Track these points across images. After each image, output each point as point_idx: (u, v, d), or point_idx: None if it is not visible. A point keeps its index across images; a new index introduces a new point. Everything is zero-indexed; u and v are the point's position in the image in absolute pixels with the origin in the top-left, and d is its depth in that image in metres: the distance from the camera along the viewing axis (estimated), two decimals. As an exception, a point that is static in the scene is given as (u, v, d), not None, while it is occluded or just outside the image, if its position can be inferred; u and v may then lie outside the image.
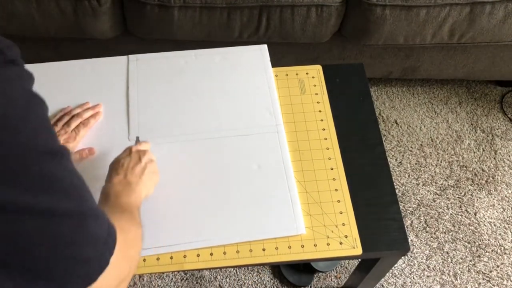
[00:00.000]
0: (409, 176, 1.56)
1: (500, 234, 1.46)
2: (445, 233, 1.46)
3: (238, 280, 1.37)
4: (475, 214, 1.49)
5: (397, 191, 1.43)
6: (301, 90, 1.00)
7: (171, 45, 1.35)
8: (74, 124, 0.90)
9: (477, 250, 1.43)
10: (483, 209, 1.50)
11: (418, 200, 1.52)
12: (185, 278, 1.37)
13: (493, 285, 1.38)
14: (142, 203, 0.84)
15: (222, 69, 1.02)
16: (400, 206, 1.25)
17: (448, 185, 1.54)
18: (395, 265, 1.39)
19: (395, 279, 1.38)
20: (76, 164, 0.74)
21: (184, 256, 0.80)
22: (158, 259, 0.79)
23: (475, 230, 1.46)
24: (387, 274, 1.38)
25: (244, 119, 0.95)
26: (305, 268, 1.37)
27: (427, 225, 1.47)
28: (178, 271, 1.21)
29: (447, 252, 1.43)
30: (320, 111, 0.97)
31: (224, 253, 0.80)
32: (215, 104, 0.97)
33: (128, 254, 0.54)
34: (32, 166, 0.38)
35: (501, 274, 1.39)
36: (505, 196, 1.53)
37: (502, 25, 1.33)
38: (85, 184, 0.45)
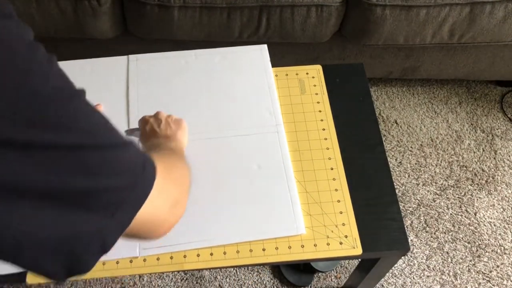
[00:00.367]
0: (409, 176, 1.56)
1: (500, 234, 1.46)
2: (445, 233, 1.46)
3: (238, 280, 1.37)
4: (475, 214, 1.49)
5: (397, 191, 1.43)
6: (301, 90, 1.00)
7: (171, 45, 1.35)
8: None
9: (477, 250, 1.43)
10: (483, 209, 1.50)
11: (418, 200, 1.52)
12: (185, 278, 1.37)
13: (493, 285, 1.38)
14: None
15: (222, 69, 1.02)
16: (400, 206, 1.25)
17: (448, 185, 1.54)
18: (395, 265, 1.39)
19: (395, 279, 1.38)
20: None
21: (184, 256, 0.80)
22: (158, 259, 0.79)
23: (475, 230, 1.46)
24: (387, 274, 1.38)
25: (244, 119, 0.95)
26: (305, 268, 1.37)
27: (427, 225, 1.47)
28: (178, 271, 1.21)
29: (447, 252, 1.43)
30: (320, 111, 0.97)
31: (224, 253, 0.80)
32: (215, 104, 0.97)
33: (173, 177, 0.54)
34: (52, 107, 0.37)
35: (501, 274, 1.39)
36: (505, 196, 1.53)
37: (502, 25, 1.33)
38: (109, 120, 0.45)
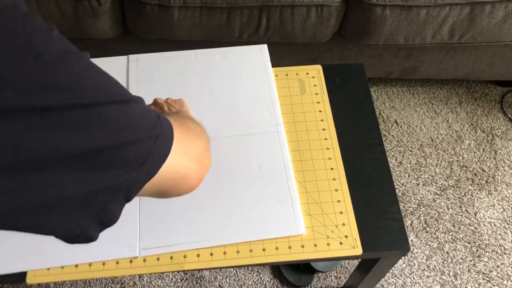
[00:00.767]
0: (409, 176, 1.56)
1: (500, 234, 1.46)
2: (445, 233, 1.46)
3: (238, 280, 1.37)
4: (475, 214, 1.49)
5: (397, 191, 1.43)
6: (301, 90, 1.00)
7: (171, 45, 1.35)
8: None
9: (477, 250, 1.43)
10: (483, 209, 1.50)
11: (418, 200, 1.52)
12: (185, 278, 1.37)
13: (493, 285, 1.38)
14: (141, 203, 0.84)
15: (222, 69, 1.02)
16: (400, 206, 1.25)
17: (448, 185, 1.54)
18: (395, 265, 1.39)
19: (395, 279, 1.38)
20: None
21: (184, 256, 0.80)
22: (158, 259, 0.79)
23: (475, 230, 1.46)
24: (387, 274, 1.38)
25: (244, 119, 0.95)
26: (305, 268, 1.37)
27: (427, 225, 1.47)
28: (178, 271, 1.21)
29: (447, 252, 1.43)
30: (320, 111, 0.97)
31: (224, 253, 0.80)
32: (215, 104, 0.97)
33: (190, 129, 0.55)
34: (61, 69, 0.37)
35: (501, 274, 1.39)
36: (505, 196, 1.53)
37: (502, 25, 1.33)
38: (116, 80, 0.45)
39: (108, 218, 0.44)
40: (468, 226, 1.47)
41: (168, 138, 0.46)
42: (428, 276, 1.39)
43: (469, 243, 1.44)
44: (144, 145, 0.43)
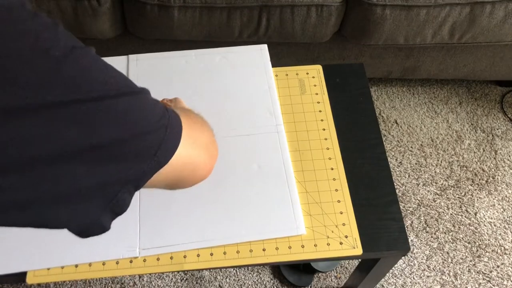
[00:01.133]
0: (409, 176, 1.56)
1: (500, 234, 1.46)
2: (445, 233, 1.46)
3: (238, 280, 1.37)
4: (475, 214, 1.49)
5: (397, 191, 1.43)
6: (301, 90, 1.00)
7: (171, 45, 1.35)
8: None
9: (477, 250, 1.43)
10: (483, 209, 1.50)
11: (418, 200, 1.51)
12: (185, 278, 1.37)
13: (493, 285, 1.38)
14: (141, 203, 0.84)
15: (222, 69, 1.02)
16: (400, 206, 1.25)
17: (448, 185, 1.54)
18: (395, 265, 1.39)
19: (395, 279, 1.38)
20: None
21: (184, 256, 0.80)
22: (158, 259, 0.79)
23: (475, 230, 1.46)
24: (387, 274, 1.38)
25: (244, 119, 0.95)
26: (305, 268, 1.37)
27: (427, 225, 1.47)
28: (178, 271, 1.21)
29: (447, 252, 1.43)
30: (320, 111, 0.97)
31: (224, 253, 0.80)
32: (215, 104, 0.97)
33: (194, 120, 0.55)
34: (69, 64, 0.38)
35: (501, 274, 1.39)
36: (505, 196, 1.53)
37: (502, 25, 1.33)
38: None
39: (120, 207, 0.44)
40: (468, 226, 1.47)
41: (177, 128, 0.47)
42: (428, 276, 1.39)
43: (469, 243, 1.44)
44: (155, 135, 0.44)
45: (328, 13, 1.30)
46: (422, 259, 1.42)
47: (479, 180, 1.56)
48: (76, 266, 0.78)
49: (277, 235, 0.82)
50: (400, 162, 1.59)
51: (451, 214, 1.49)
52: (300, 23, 1.32)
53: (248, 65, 1.03)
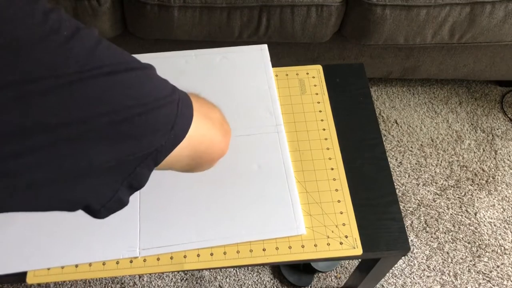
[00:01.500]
0: (409, 176, 1.56)
1: (500, 234, 1.46)
2: (445, 233, 1.46)
3: (238, 280, 1.37)
4: (475, 214, 1.49)
5: (397, 191, 1.43)
6: (301, 90, 1.00)
7: (171, 45, 1.35)
8: None
9: (477, 250, 1.43)
10: (483, 209, 1.50)
11: (418, 200, 1.51)
12: (185, 278, 1.37)
13: (493, 285, 1.38)
14: (141, 203, 0.84)
15: (222, 69, 1.02)
16: (400, 206, 1.24)
17: (448, 185, 1.54)
18: (395, 265, 1.39)
19: (395, 279, 1.38)
20: None
21: (184, 256, 0.80)
22: (158, 259, 0.79)
23: (475, 230, 1.46)
24: (387, 274, 1.38)
25: (244, 119, 0.95)
26: (305, 268, 1.37)
27: (427, 225, 1.47)
28: (178, 271, 1.21)
29: (447, 252, 1.43)
30: (320, 111, 0.97)
31: (224, 253, 0.80)
32: (215, 103, 0.97)
33: (201, 100, 0.55)
34: (76, 42, 0.38)
35: (501, 274, 1.39)
36: (505, 196, 1.53)
37: (502, 25, 1.33)
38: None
39: (138, 181, 0.45)
40: (468, 226, 1.47)
41: (188, 102, 0.48)
42: (428, 276, 1.39)
43: (469, 243, 1.44)
44: (170, 108, 0.44)
45: (328, 13, 1.30)
46: (422, 259, 1.42)
47: (479, 180, 1.56)
48: (76, 266, 0.78)
49: (277, 235, 0.82)
50: (400, 162, 1.59)
51: (451, 214, 1.49)
52: (300, 23, 1.32)
53: (248, 65, 1.03)
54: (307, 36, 1.36)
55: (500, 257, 1.42)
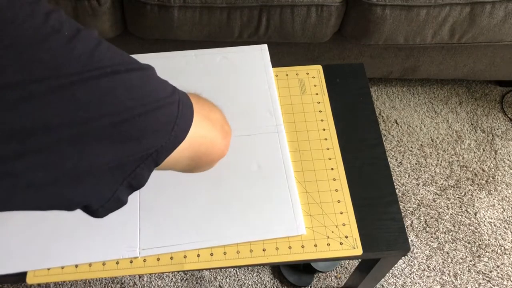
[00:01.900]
0: (409, 176, 1.56)
1: (500, 234, 1.46)
2: (445, 233, 1.46)
3: (238, 280, 1.37)
4: (475, 214, 1.49)
5: (397, 191, 1.43)
6: (301, 90, 1.00)
7: (171, 45, 1.35)
8: None
9: (477, 250, 1.43)
10: (483, 209, 1.50)
11: (418, 200, 1.51)
12: (185, 278, 1.37)
13: (493, 285, 1.38)
14: (141, 203, 0.84)
15: (223, 69, 1.02)
16: (400, 206, 1.25)
17: (448, 185, 1.54)
18: (395, 265, 1.39)
19: (395, 279, 1.38)
20: None
21: (184, 256, 0.80)
22: (158, 259, 0.79)
23: (475, 230, 1.46)
24: (387, 274, 1.38)
25: (244, 119, 0.95)
26: (305, 268, 1.37)
27: (427, 225, 1.47)
28: (178, 271, 1.21)
29: (447, 252, 1.43)
30: (320, 111, 0.97)
31: (224, 253, 0.80)
32: (215, 103, 0.97)
33: (202, 101, 0.55)
34: (77, 43, 0.38)
35: (501, 274, 1.39)
36: (505, 196, 1.53)
37: (503, 25, 1.33)
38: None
39: (138, 181, 0.45)
40: (468, 226, 1.47)
41: (188, 103, 0.48)
42: (428, 276, 1.39)
43: (469, 243, 1.44)
44: (170, 109, 0.44)
45: (328, 13, 1.30)
46: (422, 259, 1.42)
47: (479, 180, 1.56)
48: (76, 266, 0.78)
49: (277, 235, 0.82)
50: (400, 162, 1.59)
51: (451, 214, 1.49)
52: (300, 23, 1.32)
53: (248, 65, 1.03)
54: (307, 36, 1.36)
55: (500, 257, 1.42)
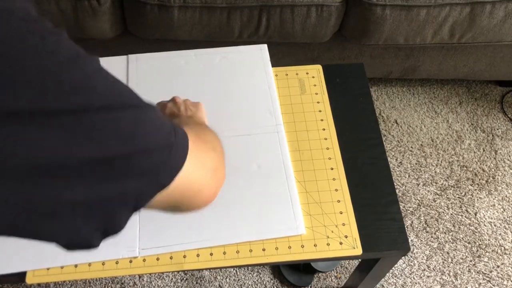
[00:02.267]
0: (409, 176, 1.56)
1: (500, 234, 1.46)
2: (445, 233, 1.46)
3: (238, 280, 1.37)
4: (476, 214, 1.49)
5: (397, 191, 1.43)
6: (301, 90, 1.00)
7: (171, 45, 1.35)
8: None
9: (477, 250, 1.43)
10: (483, 209, 1.50)
11: (418, 200, 1.51)
12: (185, 278, 1.37)
13: (493, 285, 1.38)
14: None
15: (222, 69, 1.02)
16: (400, 206, 1.24)
17: (449, 185, 1.54)
18: (395, 265, 1.39)
19: (395, 279, 1.38)
20: None
21: (184, 256, 0.80)
22: (158, 259, 0.79)
23: (475, 230, 1.46)
24: (387, 274, 1.38)
25: (244, 119, 0.95)
26: (305, 268, 1.37)
27: (427, 225, 1.47)
28: (178, 271, 1.21)
29: (447, 252, 1.43)
30: (320, 111, 0.97)
31: (224, 253, 0.80)
32: (215, 104, 0.97)
33: (205, 140, 0.53)
34: (73, 71, 0.36)
35: (501, 274, 1.39)
36: (506, 196, 1.53)
37: (502, 25, 1.33)
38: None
39: (114, 228, 0.42)
40: (468, 226, 1.47)
41: (183, 148, 0.45)
42: (428, 276, 1.39)
43: (469, 243, 1.44)
44: (158, 154, 0.41)
45: (328, 13, 1.30)
46: (422, 259, 1.41)
47: (479, 180, 1.56)
48: (76, 266, 0.78)
49: (277, 235, 0.82)
50: (400, 162, 1.59)
51: (451, 214, 1.49)
52: (300, 23, 1.32)
53: (248, 65, 1.03)
54: (307, 36, 1.36)
55: (500, 257, 1.42)
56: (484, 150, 1.62)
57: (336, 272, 1.39)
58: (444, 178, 1.56)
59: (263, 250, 0.81)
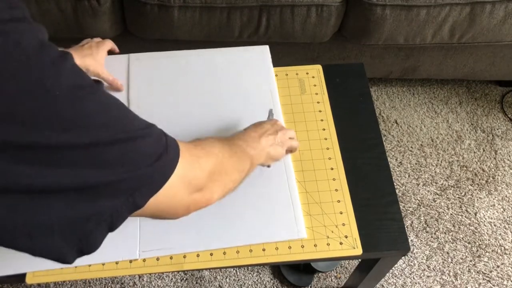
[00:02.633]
0: (409, 176, 1.56)
1: (500, 234, 1.46)
2: (445, 233, 1.46)
3: (238, 280, 1.37)
4: (475, 214, 1.49)
5: (397, 191, 1.43)
6: (301, 90, 1.00)
7: (171, 45, 1.34)
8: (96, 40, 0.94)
9: (477, 250, 1.43)
10: (483, 209, 1.50)
11: (418, 200, 1.51)
12: (185, 278, 1.37)
13: (493, 285, 1.38)
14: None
15: (223, 69, 1.02)
16: (400, 206, 1.24)
17: (448, 185, 1.54)
18: (395, 265, 1.39)
19: (395, 279, 1.38)
20: None
21: (184, 257, 0.80)
22: (158, 259, 0.79)
23: (475, 230, 1.46)
24: (387, 274, 1.38)
25: (245, 119, 0.95)
26: (305, 268, 1.37)
27: (427, 225, 1.47)
28: (178, 271, 1.21)
29: (447, 252, 1.43)
30: (320, 111, 0.97)
31: (224, 253, 0.80)
32: (216, 104, 0.97)
33: (204, 167, 0.54)
34: (67, 106, 0.37)
35: (501, 274, 1.39)
36: (505, 196, 1.53)
37: (502, 25, 1.33)
38: (126, 107, 0.45)
39: (88, 247, 0.43)
40: (468, 226, 1.47)
41: (166, 171, 0.46)
42: (428, 276, 1.39)
43: (469, 243, 1.44)
44: (138, 178, 0.43)
45: (328, 13, 1.30)
46: (422, 259, 1.41)
47: (479, 180, 1.56)
48: (75, 266, 0.78)
49: (277, 239, 0.81)
50: (400, 162, 1.59)
51: (451, 214, 1.49)
52: (300, 23, 1.32)
53: (248, 65, 1.02)
54: (307, 36, 1.36)
55: (500, 257, 1.42)
56: (484, 150, 1.62)
57: (336, 272, 1.39)
58: (444, 178, 1.56)
59: (263, 250, 0.81)
